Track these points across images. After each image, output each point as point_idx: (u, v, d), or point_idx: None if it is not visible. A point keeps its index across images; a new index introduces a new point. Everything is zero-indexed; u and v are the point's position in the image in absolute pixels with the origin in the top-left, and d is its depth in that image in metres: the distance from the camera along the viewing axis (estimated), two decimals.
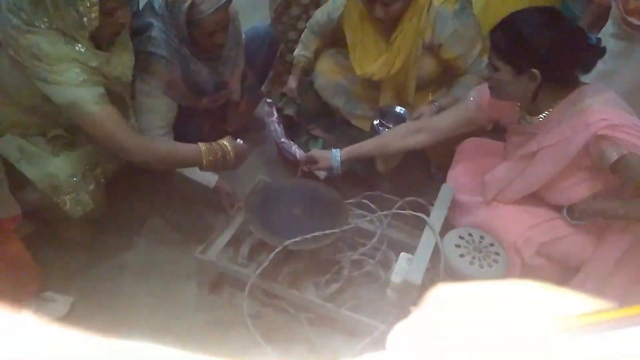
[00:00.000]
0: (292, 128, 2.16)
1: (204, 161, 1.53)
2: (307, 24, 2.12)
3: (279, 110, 2.13)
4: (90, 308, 1.66)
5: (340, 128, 2.12)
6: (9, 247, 1.45)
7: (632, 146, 1.25)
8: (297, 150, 2.00)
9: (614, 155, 1.27)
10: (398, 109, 2.00)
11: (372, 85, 2.02)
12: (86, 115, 1.44)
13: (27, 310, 1.57)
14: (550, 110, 1.41)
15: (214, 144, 1.56)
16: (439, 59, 1.89)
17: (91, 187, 1.65)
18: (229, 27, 1.84)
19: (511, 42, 1.33)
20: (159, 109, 1.82)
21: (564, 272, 1.55)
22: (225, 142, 1.58)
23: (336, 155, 1.79)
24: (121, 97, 1.65)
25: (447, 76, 1.98)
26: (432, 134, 1.71)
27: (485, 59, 1.84)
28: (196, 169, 1.88)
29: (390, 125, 1.92)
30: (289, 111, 2.15)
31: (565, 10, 2.29)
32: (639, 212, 1.35)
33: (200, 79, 1.89)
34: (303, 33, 2.15)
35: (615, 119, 1.27)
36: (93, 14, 1.41)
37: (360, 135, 2.00)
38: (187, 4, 1.66)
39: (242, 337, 1.59)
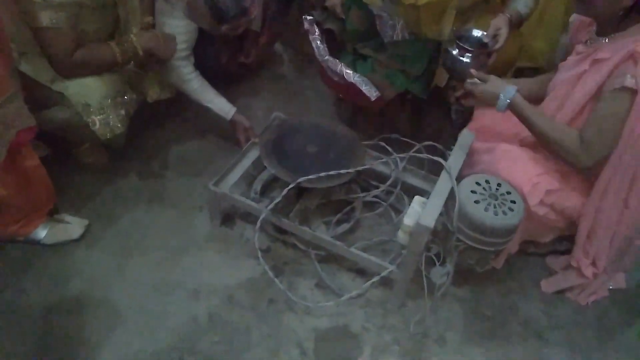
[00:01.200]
0: (334, 47, 1.95)
1: (119, 59, 1.62)
2: None
3: (319, 26, 1.92)
4: (104, 231, 1.69)
5: (392, 48, 1.88)
6: (26, 160, 1.46)
7: None
8: (344, 70, 1.81)
9: (626, 81, 1.24)
10: (475, 31, 1.74)
11: (412, 10, 1.89)
12: (38, 30, 1.49)
13: (43, 230, 1.61)
14: (618, 34, 1.35)
15: (125, 43, 1.64)
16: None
17: (122, 112, 1.66)
18: None
19: None
20: (180, 30, 1.81)
21: (567, 225, 1.54)
22: (133, 38, 1.65)
23: (510, 92, 1.45)
24: (109, 5, 1.62)
25: (487, 5, 1.87)
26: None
27: None
28: (214, 100, 1.87)
29: (472, 50, 1.66)
30: (332, 26, 1.93)
31: None
32: (544, 124, 1.39)
33: (221, 2, 1.84)
34: None
35: None
36: None
37: (417, 56, 1.86)
38: None
39: (251, 268, 1.62)
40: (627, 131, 1.29)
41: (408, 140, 1.80)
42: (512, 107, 1.45)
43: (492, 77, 1.51)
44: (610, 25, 1.37)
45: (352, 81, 1.78)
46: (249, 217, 1.74)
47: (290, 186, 1.53)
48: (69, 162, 1.85)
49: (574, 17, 1.61)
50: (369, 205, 1.79)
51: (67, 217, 1.68)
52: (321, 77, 2.02)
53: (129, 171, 1.91)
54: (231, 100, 1.94)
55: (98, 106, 1.60)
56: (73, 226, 1.67)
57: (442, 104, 2.12)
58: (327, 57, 1.84)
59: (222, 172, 1.68)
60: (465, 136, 1.60)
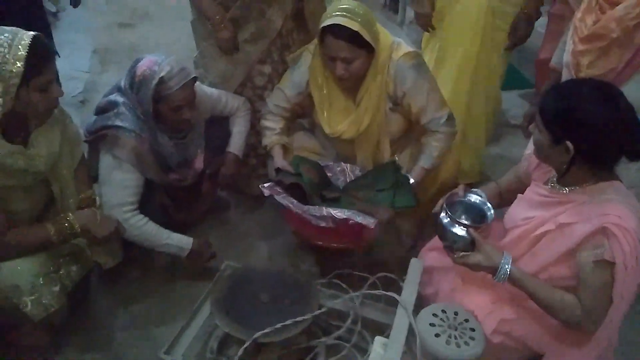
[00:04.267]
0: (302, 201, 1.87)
1: (54, 239, 1.56)
2: (264, 111, 2.07)
3: (281, 185, 1.88)
4: None
5: (352, 185, 1.97)
6: None
7: (621, 254, 1.26)
8: (331, 211, 1.72)
9: (605, 254, 1.27)
10: (474, 197, 1.57)
11: (347, 145, 2.01)
12: None
13: None
14: (578, 188, 1.38)
15: (61, 221, 1.58)
16: (404, 114, 1.92)
17: (55, 288, 1.58)
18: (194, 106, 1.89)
19: (557, 108, 1.30)
20: (129, 183, 1.82)
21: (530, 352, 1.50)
22: (70, 216, 1.59)
23: (508, 263, 1.38)
24: (41, 182, 1.61)
25: (415, 134, 2.00)
26: None
27: (444, 111, 1.89)
28: (171, 235, 1.91)
29: (463, 219, 1.51)
30: (296, 180, 1.89)
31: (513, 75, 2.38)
32: (545, 296, 1.35)
33: (167, 153, 1.93)
34: (262, 122, 2.06)
35: (628, 224, 1.26)
36: (9, 95, 1.37)
37: (380, 176, 1.93)
38: (155, 81, 1.75)
39: None
40: (617, 297, 1.31)
41: (361, 274, 1.80)
42: (511, 278, 1.38)
43: (485, 247, 1.40)
44: (564, 176, 1.40)
45: (345, 217, 1.72)
46: None
47: (247, 343, 1.47)
48: (7, 345, 1.71)
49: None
50: (334, 348, 1.73)
51: None
52: (296, 231, 2.02)
53: (71, 348, 1.77)
54: None
55: (29, 287, 1.51)
56: None
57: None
58: (307, 207, 1.77)
59: (174, 336, 1.60)
60: (415, 266, 1.62)
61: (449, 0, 2.21)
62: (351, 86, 1.87)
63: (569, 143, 1.29)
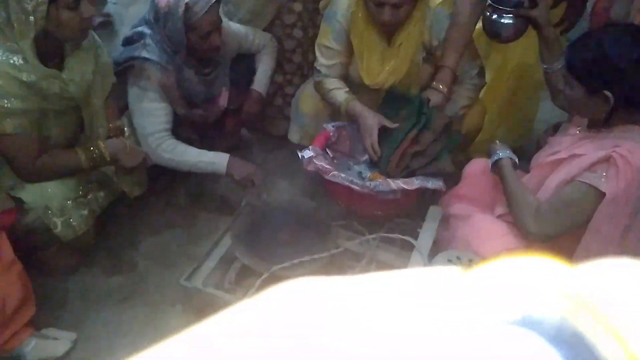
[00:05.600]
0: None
1: (84, 165, 1.61)
2: (316, 77, 1.92)
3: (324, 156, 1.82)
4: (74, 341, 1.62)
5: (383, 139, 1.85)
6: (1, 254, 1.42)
7: (614, 187, 1.25)
8: (402, 185, 1.63)
9: (597, 180, 1.27)
10: None
11: (374, 94, 1.92)
12: (1, 137, 1.49)
13: (27, 346, 1.52)
14: (605, 130, 1.35)
15: (92, 149, 1.63)
16: (434, 63, 1.87)
17: (84, 211, 1.65)
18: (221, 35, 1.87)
19: (587, 60, 1.26)
20: (158, 112, 1.84)
21: None
22: (101, 145, 1.64)
23: (502, 154, 1.53)
24: (73, 109, 1.63)
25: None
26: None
27: (477, 63, 1.85)
28: (202, 153, 1.88)
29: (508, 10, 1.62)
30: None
31: None
32: (516, 192, 1.43)
33: (192, 88, 1.93)
34: (322, 85, 1.90)
35: (635, 160, 1.24)
36: (39, 14, 1.37)
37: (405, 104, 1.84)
38: (181, 9, 1.72)
39: None
40: (592, 230, 1.31)
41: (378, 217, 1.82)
42: (499, 165, 1.51)
43: (504, 145, 1.58)
44: (596, 123, 1.38)
45: (417, 186, 1.65)
46: (225, 309, 1.70)
47: (264, 276, 1.52)
48: (35, 266, 1.80)
49: None
50: None
51: (55, 332, 1.60)
52: (347, 205, 1.86)
53: (98, 270, 1.86)
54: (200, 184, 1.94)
55: (59, 208, 1.58)
56: (59, 342, 1.58)
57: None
58: (373, 184, 1.65)
59: (195, 265, 1.66)
60: (433, 213, 1.63)
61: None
62: (389, 32, 1.82)
63: (607, 92, 1.25)
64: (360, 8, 1.79)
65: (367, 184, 1.68)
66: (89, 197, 1.67)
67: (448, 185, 1.77)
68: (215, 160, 1.87)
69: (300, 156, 1.78)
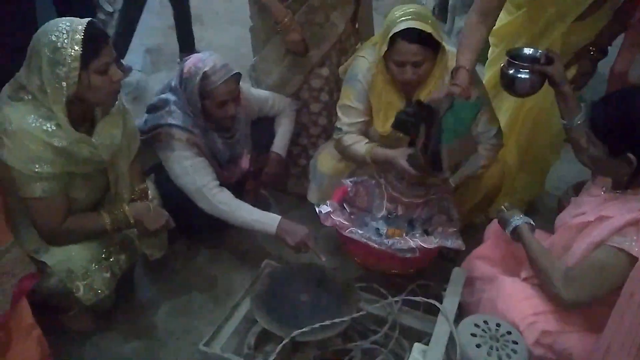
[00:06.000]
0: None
1: (109, 227, 1.62)
2: (338, 136, 1.98)
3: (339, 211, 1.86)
4: None
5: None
6: (21, 318, 1.40)
7: None
8: (421, 243, 1.66)
9: (628, 244, 1.25)
10: (527, 49, 1.76)
11: (394, 142, 1.94)
12: (28, 200, 1.52)
13: None
14: (630, 191, 1.34)
15: (116, 212, 1.64)
16: None
17: (106, 274, 1.65)
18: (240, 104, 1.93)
19: (611, 121, 1.27)
20: (202, 164, 1.89)
21: None
22: (126, 207, 1.65)
23: (518, 221, 1.53)
24: (99, 172, 1.66)
25: None
26: None
27: (494, 127, 1.87)
28: (254, 212, 1.90)
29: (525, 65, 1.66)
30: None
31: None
32: (541, 257, 1.41)
33: (217, 149, 1.97)
34: (343, 143, 1.96)
35: None
36: (71, 80, 1.42)
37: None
38: (199, 76, 1.80)
39: None
40: (626, 295, 1.26)
41: (401, 280, 1.79)
42: (517, 232, 1.49)
43: (514, 209, 1.57)
44: (621, 184, 1.37)
45: (435, 245, 1.69)
46: None
47: (284, 341, 1.48)
48: (52, 328, 1.77)
49: None
50: (369, 352, 1.72)
51: None
52: (362, 262, 1.89)
53: (115, 334, 1.82)
54: (219, 245, 1.93)
55: (82, 271, 1.58)
56: None
57: None
58: (390, 242, 1.68)
59: (213, 329, 1.62)
60: (458, 275, 1.60)
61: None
62: (410, 92, 1.86)
63: (630, 155, 1.24)
64: (380, 70, 1.85)
65: (385, 241, 1.67)
66: (111, 259, 1.67)
67: (468, 245, 1.74)
68: (267, 220, 1.90)
69: (317, 211, 1.80)
